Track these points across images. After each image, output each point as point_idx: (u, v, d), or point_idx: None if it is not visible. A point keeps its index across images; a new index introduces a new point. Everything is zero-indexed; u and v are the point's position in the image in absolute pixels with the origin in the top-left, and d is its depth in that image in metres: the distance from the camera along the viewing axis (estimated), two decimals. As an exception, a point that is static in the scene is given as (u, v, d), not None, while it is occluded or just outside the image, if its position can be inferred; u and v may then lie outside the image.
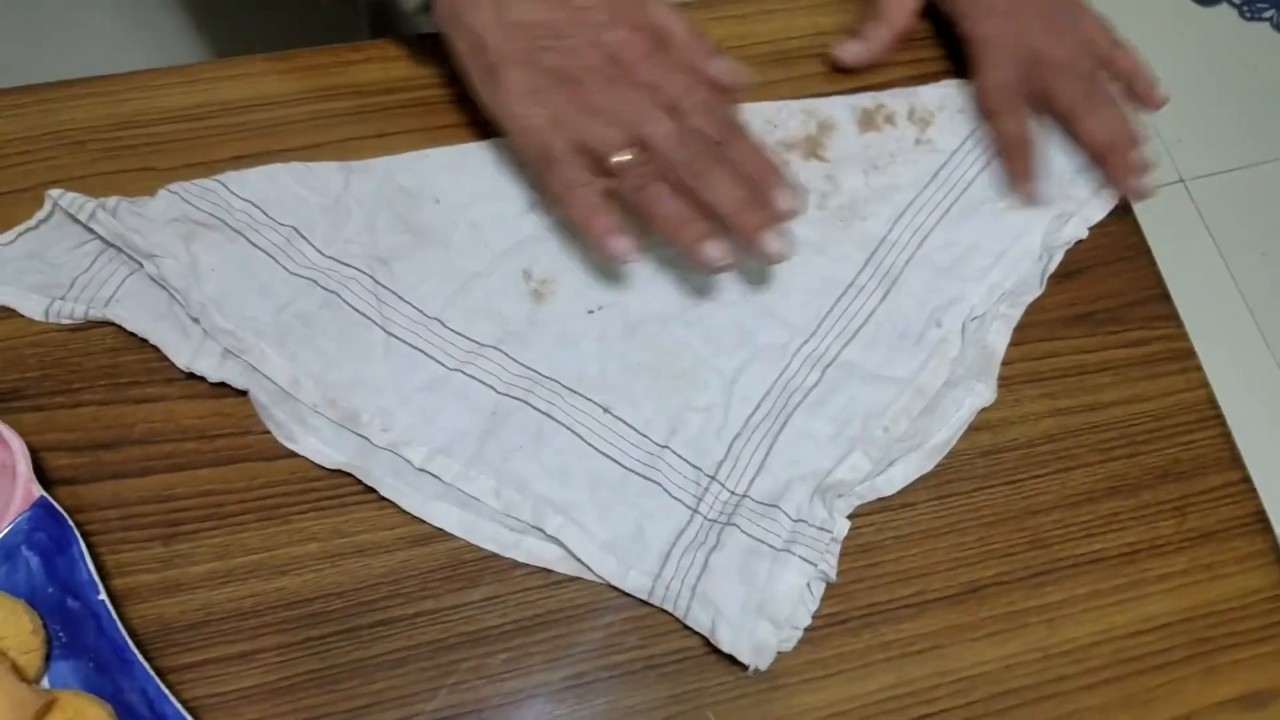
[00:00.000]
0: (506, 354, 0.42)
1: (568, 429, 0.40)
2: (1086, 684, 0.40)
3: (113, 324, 0.41)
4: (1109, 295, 0.47)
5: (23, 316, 0.41)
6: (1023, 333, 0.45)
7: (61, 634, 0.35)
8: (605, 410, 0.41)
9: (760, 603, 0.38)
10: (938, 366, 0.43)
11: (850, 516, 0.41)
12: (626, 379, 0.42)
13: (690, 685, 0.38)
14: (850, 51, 0.49)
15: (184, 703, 0.35)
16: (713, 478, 0.40)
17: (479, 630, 0.38)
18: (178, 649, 0.37)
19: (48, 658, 0.35)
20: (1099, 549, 0.42)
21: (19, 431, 0.37)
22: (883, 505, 0.41)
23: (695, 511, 0.40)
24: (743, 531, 0.39)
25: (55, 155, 0.44)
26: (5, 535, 0.35)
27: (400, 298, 0.42)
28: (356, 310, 0.42)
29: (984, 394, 0.43)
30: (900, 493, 0.42)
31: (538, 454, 0.40)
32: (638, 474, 0.40)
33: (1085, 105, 0.45)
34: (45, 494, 0.36)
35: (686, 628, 0.39)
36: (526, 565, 0.39)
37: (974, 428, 0.43)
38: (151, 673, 0.34)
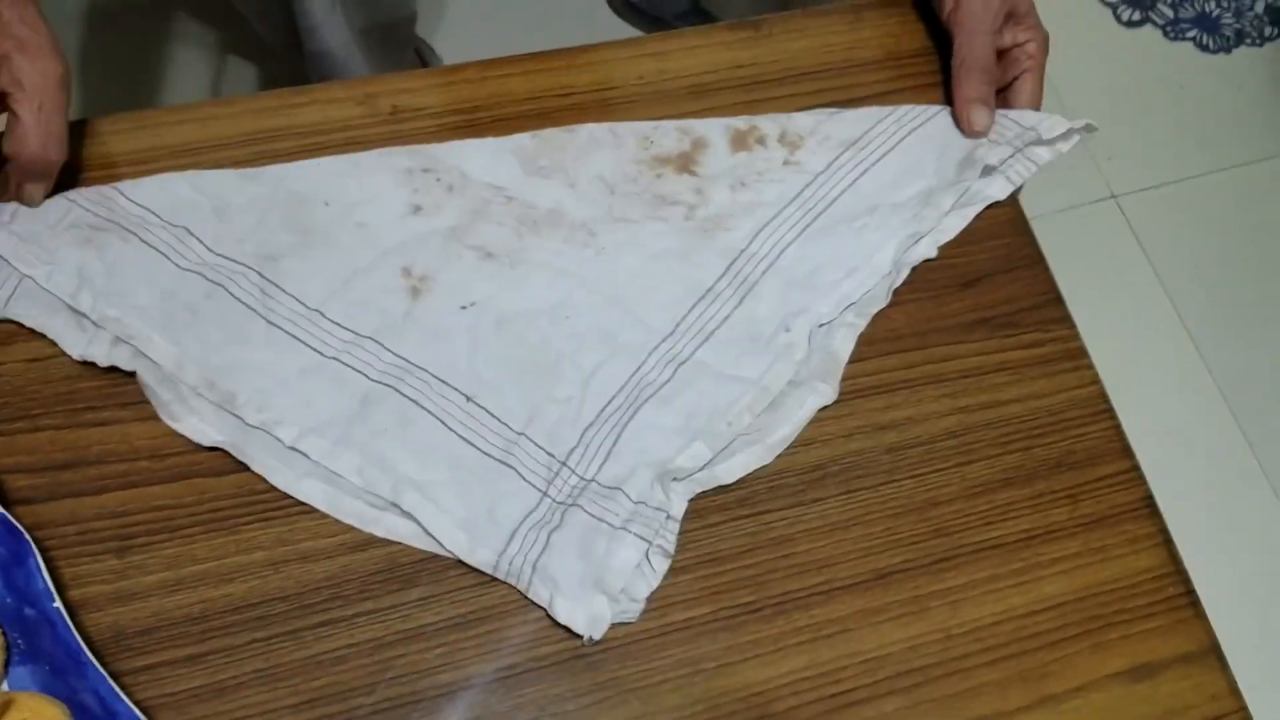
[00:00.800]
0: (381, 344, 0.45)
1: (432, 415, 0.44)
2: (986, 661, 0.43)
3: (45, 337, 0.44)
4: (1006, 301, 0.50)
5: (-17, 349, 0.44)
6: (925, 338, 0.48)
7: (20, 641, 0.38)
8: (469, 399, 0.44)
9: (597, 577, 0.41)
10: (783, 368, 0.46)
11: (765, 512, 0.44)
12: (493, 371, 0.45)
13: (615, 673, 0.41)
14: (983, 119, 0.51)
15: (136, 703, 0.37)
16: (564, 463, 0.43)
17: (415, 628, 0.41)
18: (131, 653, 0.39)
19: (7, 664, 0.37)
20: (997, 535, 0.45)
21: (-21, 455, 0.40)
22: (794, 500, 0.44)
23: (545, 494, 0.43)
24: (585, 511, 0.42)
25: (13, 198, 0.47)
26: (-34, 550, 0.38)
27: (283, 290, 0.45)
28: (240, 301, 0.45)
29: (826, 393, 0.46)
30: (810, 487, 0.45)
31: (402, 436, 0.43)
32: (494, 458, 0.43)
33: None
34: (2, 510, 0.38)
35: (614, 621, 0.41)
36: (460, 566, 0.42)
37: (880, 426, 0.46)
38: (105, 674, 0.37)
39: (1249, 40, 1.35)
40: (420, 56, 1.01)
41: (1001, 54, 0.53)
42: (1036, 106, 0.52)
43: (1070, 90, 1.22)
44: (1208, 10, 1.37)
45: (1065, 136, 0.52)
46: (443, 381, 0.45)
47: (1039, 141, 0.51)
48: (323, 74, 0.75)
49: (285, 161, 0.49)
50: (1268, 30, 1.37)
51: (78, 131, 0.49)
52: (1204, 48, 1.34)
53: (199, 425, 0.43)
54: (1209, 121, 1.27)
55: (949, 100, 0.53)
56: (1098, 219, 1.15)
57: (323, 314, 0.45)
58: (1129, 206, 1.17)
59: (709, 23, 0.51)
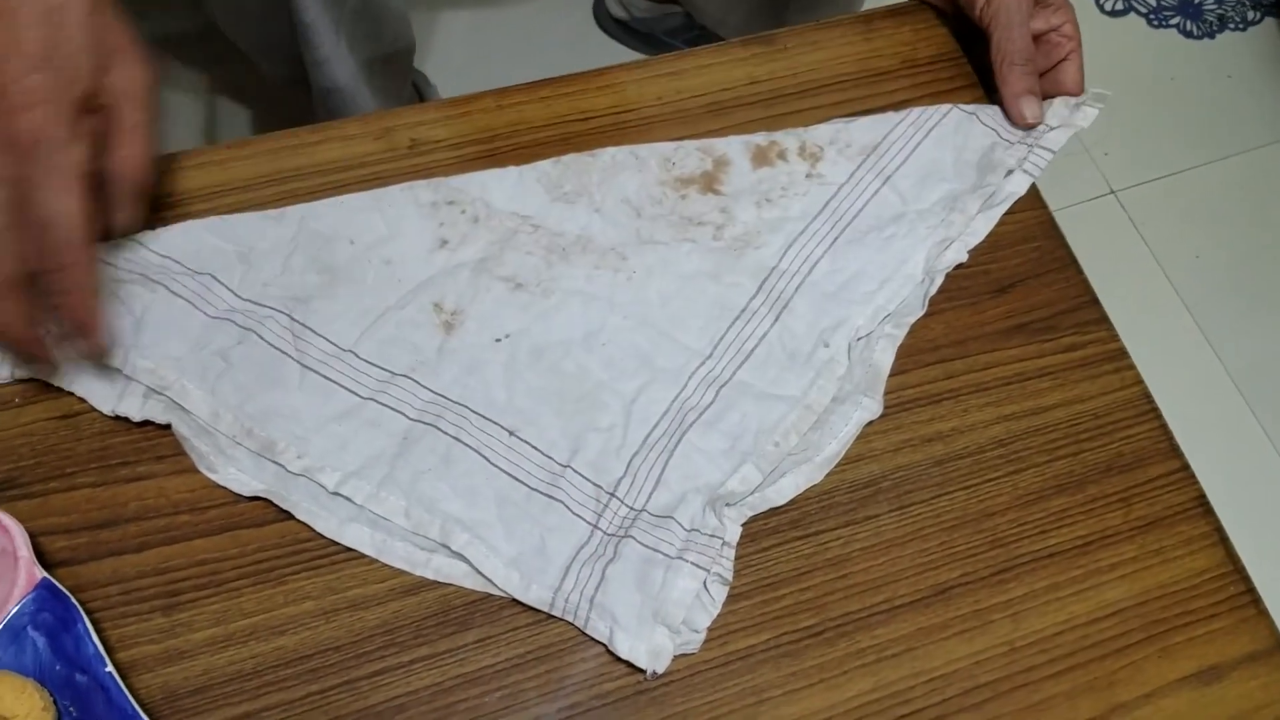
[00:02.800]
0: (417, 381, 0.44)
1: (475, 451, 0.43)
2: (1053, 672, 0.42)
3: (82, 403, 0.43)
4: (1042, 305, 0.50)
5: (10, 409, 0.43)
6: (964, 346, 0.48)
7: (72, 709, 0.37)
8: (511, 433, 0.43)
9: (655, 609, 0.40)
10: (826, 384, 0.45)
11: (818, 532, 0.43)
12: (532, 403, 0.44)
13: (679, 707, 0.40)
14: (1034, 111, 0.51)
15: (195, 766, 0.36)
16: (612, 494, 0.43)
17: (474, 671, 0.40)
18: (184, 714, 0.38)
19: (60, 733, 0.36)
20: (1054, 543, 0.44)
21: (16, 518, 0.39)
22: (847, 519, 0.44)
23: (595, 527, 0.42)
24: (638, 543, 0.41)
25: (33, 252, 0.46)
26: (11, 618, 0.37)
27: (315, 332, 0.45)
28: (273, 346, 0.44)
29: (871, 408, 0.45)
30: (862, 504, 0.44)
31: (446, 475, 0.42)
32: (541, 493, 0.42)
33: None
34: (47, 575, 0.37)
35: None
36: (515, 605, 0.41)
37: (927, 439, 0.46)
38: (162, 738, 0.36)
39: (1232, 25, 1.36)
40: (417, 88, 1.00)
41: (1036, 39, 0.53)
42: (1080, 88, 0.53)
43: (1061, 86, 1.23)
44: (1189, -3, 1.38)
45: (1076, 113, 0.52)
46: (482, 416, 0.44)
47: (1049, 129, 0.52)
48: (331, 109, 0.75)
49: (306, 201, 0.48)
50: (1250, 14, 1.38)
51: (94, 181, 0.48)
52: (1188, 34, 1.35)
53: (238, 475, 0.42)
54: (1201, 111, 1.27)
55: (992, 96, 0.53)
56: (1099, 215, 1.15)
57: (356, 354, 0.45)
58: (1128, 201, 1.17)
59: (703, 39, 0.50)
